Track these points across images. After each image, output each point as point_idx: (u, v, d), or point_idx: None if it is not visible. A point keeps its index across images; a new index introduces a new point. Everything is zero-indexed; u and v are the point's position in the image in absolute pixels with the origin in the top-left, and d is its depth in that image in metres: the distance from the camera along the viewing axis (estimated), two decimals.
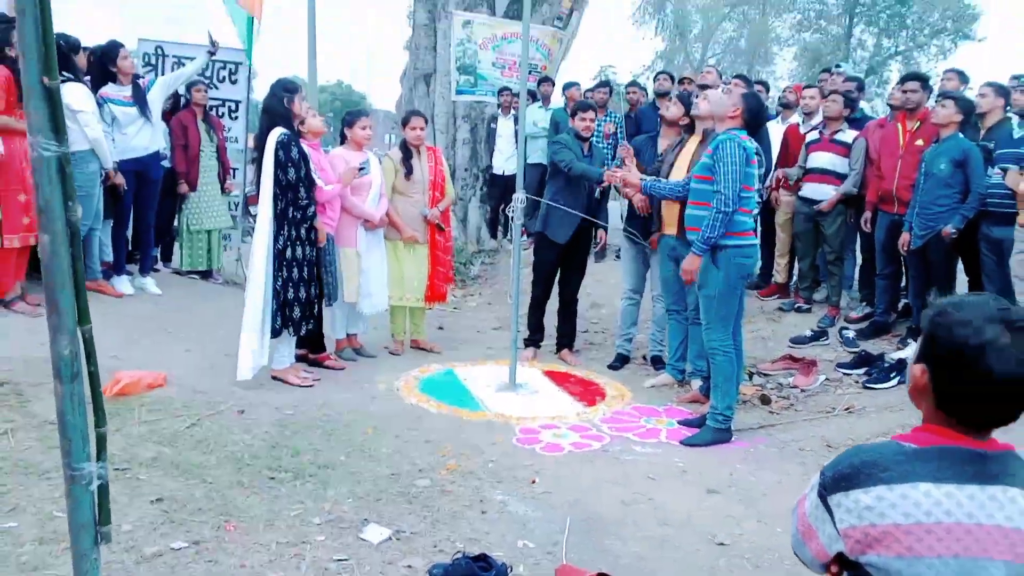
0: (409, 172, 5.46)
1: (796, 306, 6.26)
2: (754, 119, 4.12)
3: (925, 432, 1.31)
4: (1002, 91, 5.04)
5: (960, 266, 5.46)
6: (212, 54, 6.55)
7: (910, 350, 5.16)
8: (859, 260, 6.25)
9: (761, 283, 6.87)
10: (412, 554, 2.83)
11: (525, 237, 7.89)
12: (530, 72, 9.28)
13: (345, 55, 79.53)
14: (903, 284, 5.74)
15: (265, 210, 4.53)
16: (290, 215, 4.57)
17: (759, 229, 6.81)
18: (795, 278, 6.53)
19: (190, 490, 3.21)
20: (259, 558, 2.73)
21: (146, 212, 6.12)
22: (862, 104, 6.84)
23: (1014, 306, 1.24)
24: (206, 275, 6.99)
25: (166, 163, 6.37)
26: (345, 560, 2.75)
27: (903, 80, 5.67)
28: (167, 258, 7.15)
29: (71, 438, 1.50)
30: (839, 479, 1.30)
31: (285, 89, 4.67)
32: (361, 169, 5.08)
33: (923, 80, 5.54)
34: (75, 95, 4.94)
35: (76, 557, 1.57)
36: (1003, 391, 1.22)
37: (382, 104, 43.09)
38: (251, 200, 8.80)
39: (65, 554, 2.63)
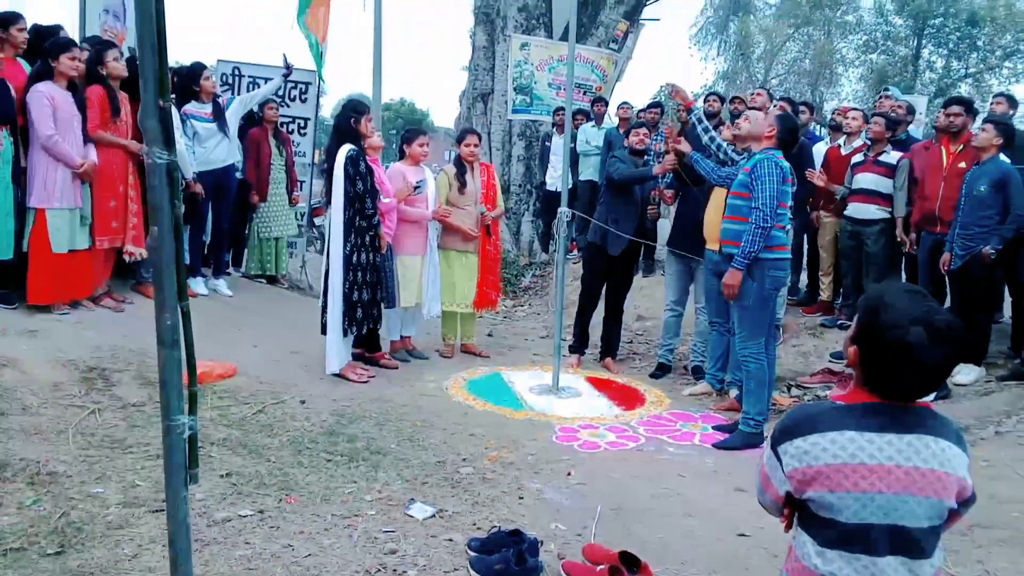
0: (463, 186, 5.79)
1: (839, 323, 6.35)
2: (788, 138, 4.33)
3: (854, 393, 1.56)
4: None
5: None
6: (287, 76, 7.01)
7: None
8: (904, 279, 6.33)
9: (806, 300, 7.00)
10: (453, 530, 3.10)
11: (575, 252, 8.19)
12: (585, 93, 9.60)
13: (408, 74, 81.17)
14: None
15: (337, 220, 4.91)
16: (357, 223, 4.96)
17: (805, 248, 6.98)
18: (840, 297, 6.63)
19: (255, 467, 3.55)
20: (316, 527, 3.04)
21: (221, 220, 6.56)
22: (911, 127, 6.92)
23: (936, 307, 1.47)
24: (273, 280, 7.42)
25: (239, 175, 6.83)
26: (392, 532, 3.04)
27: (947, 104, 5.76)
28: (237, 263, 7.59)
29: (169, 395, 1.81)
30: (784, 431, 1.54)
31: (355, 110, 5.09)
32: (416, 188, 5.45)
33: (966, 104, 5.64)
34: None
35: (170, 494, 1.89)
36: (920, 377, 1.47)
37: (442, 122, 43.98)
38: (316, 212, 9.29)
39: (146, 516, 3.00)
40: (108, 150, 5.10)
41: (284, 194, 7.27)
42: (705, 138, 5.02)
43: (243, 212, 7.12)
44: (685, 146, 5.08)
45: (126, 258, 5.36)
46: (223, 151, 6.28)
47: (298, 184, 7.76)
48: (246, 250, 7.49)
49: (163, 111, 1.75)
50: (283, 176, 7.23)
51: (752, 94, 7.54)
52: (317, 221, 9.75)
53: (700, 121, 5.04)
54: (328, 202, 5.03)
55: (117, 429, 3.83)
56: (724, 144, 5.00)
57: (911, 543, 1.45)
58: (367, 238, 5.03)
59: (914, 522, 1.45)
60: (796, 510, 1.56)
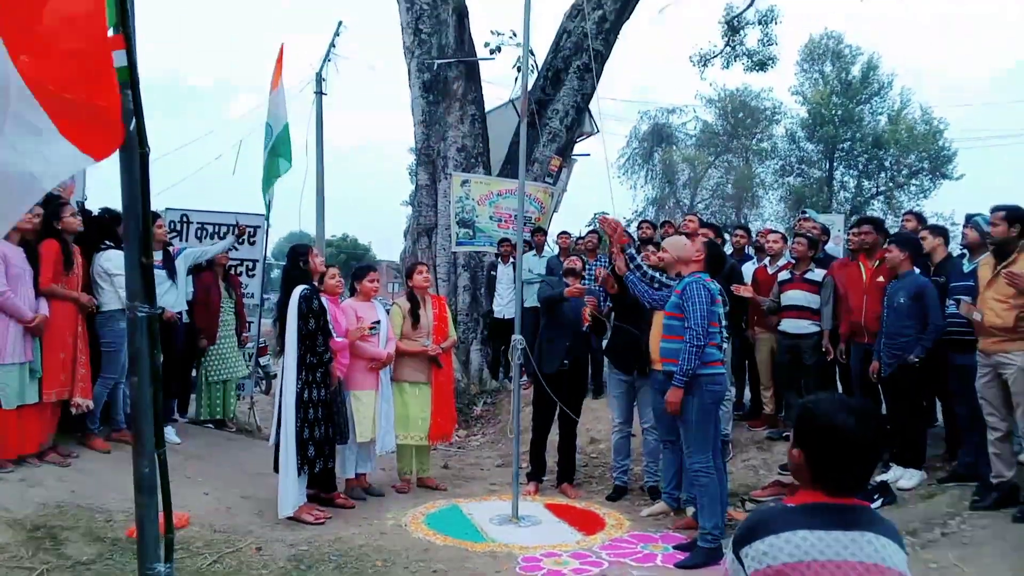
0: (416, 320, 5.94)
1: (784, 435, 6.54)
2: (715, 262, 4.69)
3: (803, 495, 1.73)
4: (939, 231, 5.65)
5: None
6: (238, 238, 7.48)
7: (892, 473, 5.43)
8: (840, 388, 6.60)
9: (751, 414, 7.21)
10: None
11: (525, 378, 8.32)
12: (524, 224, 10.02)
13: (347, 210, 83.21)
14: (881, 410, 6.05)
15: (290, 358, 4.97)
16: (307, 360, 5.03)
17: (746, 364, 7.27)
18: (783, 409, 6.86)
19: None
20: None
21: (168, 367, 6.51)
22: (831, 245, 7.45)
23: (853, 400, 1.72)
24: (220, 424, 7.31)
25: (185, 320, 6.83)
26: None
27: (857, 223, 6.26)
28: (183, 409, 7.48)
29: (147, 542, 1.85)
30: (744, 535, 1.69)
31: (299, 254, 5.28)
32: (372, 329, 5.59)
33: (875, 223, 6.14)
34: (115, 260, 5.45)
35: None
36: (856, 455, 1.67)
37: (383, 255, 44.78)
38: (261, 351, 9.30)
39: None
40: (59, 303, 5.11)
41: (233, 336, 7.31)
42: (638, 274, 5.30)
43: (190, 356, 7.10)
44: (621, 262, 5.33)
45: (73, 410, 5.27)
46: (171, 298, 6.33)
47: (247, 325, 7.82)
48: (193, 395, 7.41)
49: (146, 269, 1.89)
50: (232, 319, 7.29)
51: (684, 220, 8.04)
52: (262, 361, 9.70)
53: (632, 259, 5.34)
54: (280, 347, 5.11)
55: None
56: (657, 275, 5.31)
57: None
58: (318, 374, 5.09)
59: None
60: None
